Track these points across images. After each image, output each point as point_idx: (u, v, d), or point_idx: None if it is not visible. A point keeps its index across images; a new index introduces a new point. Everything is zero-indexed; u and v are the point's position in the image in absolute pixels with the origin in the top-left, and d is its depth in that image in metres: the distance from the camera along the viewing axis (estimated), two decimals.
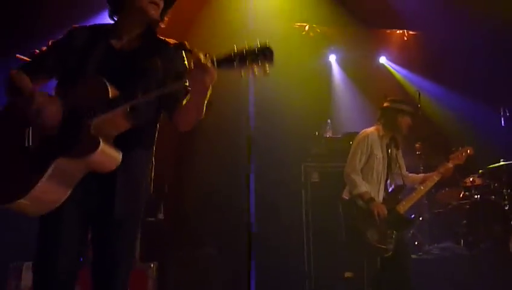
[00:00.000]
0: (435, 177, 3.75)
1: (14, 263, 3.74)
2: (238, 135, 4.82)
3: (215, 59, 1.68)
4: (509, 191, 4.91)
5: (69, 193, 1.75)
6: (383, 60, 6.48)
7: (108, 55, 1.89)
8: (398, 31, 6.35)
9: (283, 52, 5.48)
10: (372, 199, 3.61)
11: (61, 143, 1.73)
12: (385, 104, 3.83)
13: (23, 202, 1.70)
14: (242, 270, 4.76)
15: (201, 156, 5.15)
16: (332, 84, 6.27)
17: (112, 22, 1.99)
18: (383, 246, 3.53)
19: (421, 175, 3.94)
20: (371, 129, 3.82)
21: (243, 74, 1.66)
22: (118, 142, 1.78)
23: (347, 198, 3.71)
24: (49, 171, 1.70)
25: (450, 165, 3.79)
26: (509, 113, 5.27)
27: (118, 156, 1.77)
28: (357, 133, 4.14)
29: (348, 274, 4.46)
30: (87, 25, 1.99)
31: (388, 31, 6.35)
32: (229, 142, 5.00)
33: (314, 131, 5.20)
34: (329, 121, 5.28)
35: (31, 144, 1.77)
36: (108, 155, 1.75)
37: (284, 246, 4.78)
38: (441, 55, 6.00)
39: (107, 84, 1.74)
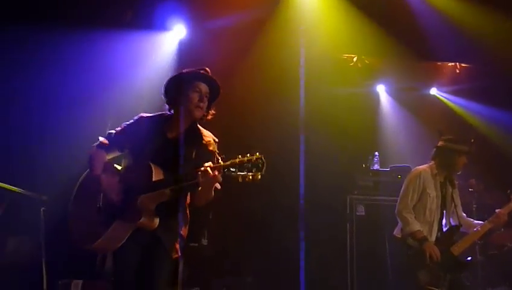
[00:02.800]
0: (495, 219, 3.55)
1: (63, 280, 3.85)
2: (286, 165, 4.83)
3: (222, 164, 2.30)
4: None
5: (126, 237, 2.46)
6: (433, 91, 6.35)
7: (163, 143, 2.55)
8: (449, 64, 6.21)
9: (331, 83, 5.57)
10: (424, 239, 3.47)
11: (119, 209, 2.45)
12: (440, 143, 3.70)
13: (99, 242, 2.48)
14: None
15: (247, 184, 5.14)
16: (380, 115, 6.18)
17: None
18: (434, 289, 3.36)
19: (480, 222, 3.69)
20: (424, 167, 3.70)
21: (240, 179, 2.27)
22: (159, 208, 2.45)
23: (399, 236, 3.59)
24: (112, 227, 2.47)
25: (501, 212, 3.58)
26: None
27: (155, 222, 2.45)
28: (406, 167, 4.03)
29: None
30: (151, 115, 2.64)
31: (439, 63, 6.22)
32: (274, 171, 4.99)
33: (361, 163, 5.11)
34: (377, 153, 5.18)
35: (101, 205, 2.50)
36: (148, 223, 2.45)
37: (326, 281, 4.64)
38: (495, 87, 5.78)
39: (153, 170, 2.42)
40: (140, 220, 2.38)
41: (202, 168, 2.29)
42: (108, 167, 2.56)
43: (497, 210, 3.61)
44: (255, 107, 5.18)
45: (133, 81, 4.91)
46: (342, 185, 4.97)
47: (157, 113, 2.63)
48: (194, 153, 2.47)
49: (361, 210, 4.83)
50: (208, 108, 2.58)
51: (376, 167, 5.09)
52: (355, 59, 5.96)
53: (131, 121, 2.62)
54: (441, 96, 6.31)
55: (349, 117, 5.47)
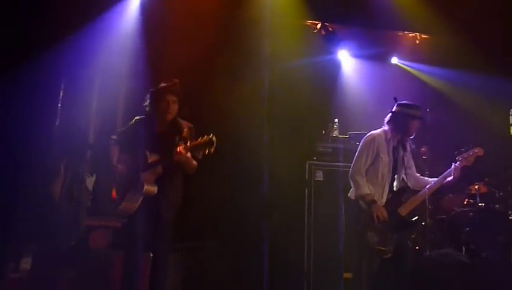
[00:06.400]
0: (441, 180, 3.71)
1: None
2: (248, 132, 4.84)
3: (188, 146, 3.28)
4: None
5: (138, 203, 3.41)
6: (394, 60, 6.45)
7: (153, 135, 3.50)
8: (410, 34, 6.29)
9: (293, 49, 5.54)
10: (373, 201, 3.60)
11: (130, 183, 3.45)
12: (395, 108, 3.80)
13: (122, 207, 3.47)
14: (240, 265, 4.78)
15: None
16: (341, 83, 6.23)
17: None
18: (382, 248, 3.53)
19: (432, 179, 3.83)
20: (378, 132, 3.80)
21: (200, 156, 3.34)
22: (158, 180, 3.42)
23: (353, 198, 3.71)
24: (128, 195, 3.44)
25: (458, 166, 3.73)
26: None
27: (155, 189, 3.42)
28: (365, 133, 4.11)
29: (347, 275, 4.44)
30: (143, 117, 3.57)
31: (400, 33, 6.30)
32: (237, 137, 4.99)
33: (321, 129, 5.18)
34: (336, 120, 5.25)
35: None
36: (150, 189, 3.41)
37: (283, 244, 4.76)
38: (453, 60, 5.92)
39: (148, 156, 3.41)
40: (144, 188, 3.34)
41: (176, 150, 3.24)
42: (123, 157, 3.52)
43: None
44: (216, 72, 5.11)
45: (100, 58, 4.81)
46: (302, 151, 5.03)
47: (143, 117, 3.55)
48: (177, 140, 3.33)
49: (319, 176, 4.92)
50: (180, 109, 3.50)
51: (335, 133, 5.17)
52: (318, 26, 5.94)
53: (130, 124, 3.57)
54: (402, 64, 6.42)
55: (310, 84, 5.48)
